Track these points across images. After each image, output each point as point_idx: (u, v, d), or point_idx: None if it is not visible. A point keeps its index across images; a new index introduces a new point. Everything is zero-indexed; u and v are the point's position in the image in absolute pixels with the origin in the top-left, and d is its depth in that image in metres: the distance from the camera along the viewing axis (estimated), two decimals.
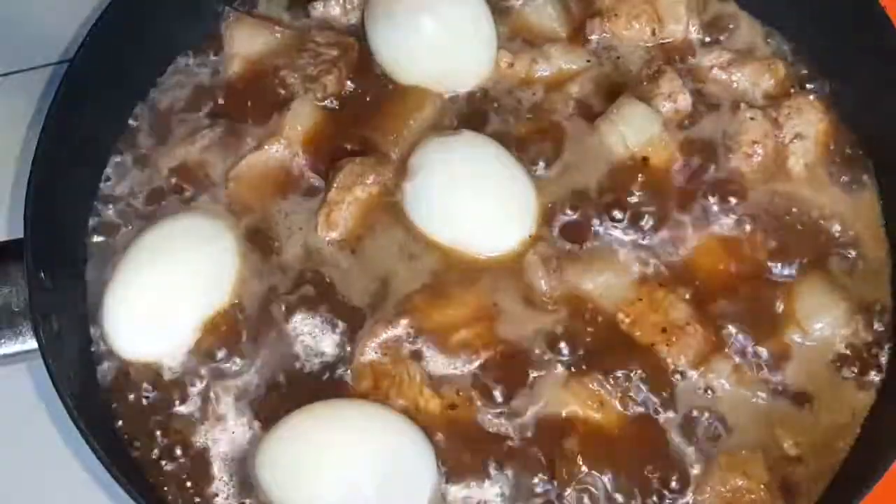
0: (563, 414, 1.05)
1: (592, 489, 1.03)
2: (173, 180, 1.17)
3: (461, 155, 1.14)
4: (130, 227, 1.15)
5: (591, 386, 1.06)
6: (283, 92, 1.19)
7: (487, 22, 1.20)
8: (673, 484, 1.03)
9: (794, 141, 1.16)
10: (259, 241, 1.14)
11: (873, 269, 1.13)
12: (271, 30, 1.24)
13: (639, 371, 1.06)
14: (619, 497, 1.03)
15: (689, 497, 1.03)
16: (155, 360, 1.09)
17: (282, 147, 1.17)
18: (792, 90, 1.20)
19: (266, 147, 1.17)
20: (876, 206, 1.16)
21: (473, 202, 1.12)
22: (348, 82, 1.21)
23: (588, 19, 1.23)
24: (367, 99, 1.20)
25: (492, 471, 1.04)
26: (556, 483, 1.03)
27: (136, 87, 1.22)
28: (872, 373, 1.08)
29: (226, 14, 1.25)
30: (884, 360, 1.09)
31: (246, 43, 1.23)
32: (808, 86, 1.20)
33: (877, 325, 1.10)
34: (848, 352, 1.08)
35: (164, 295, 1.09)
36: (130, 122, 1.21)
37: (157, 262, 1.10)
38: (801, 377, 1.08)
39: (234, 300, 1.11)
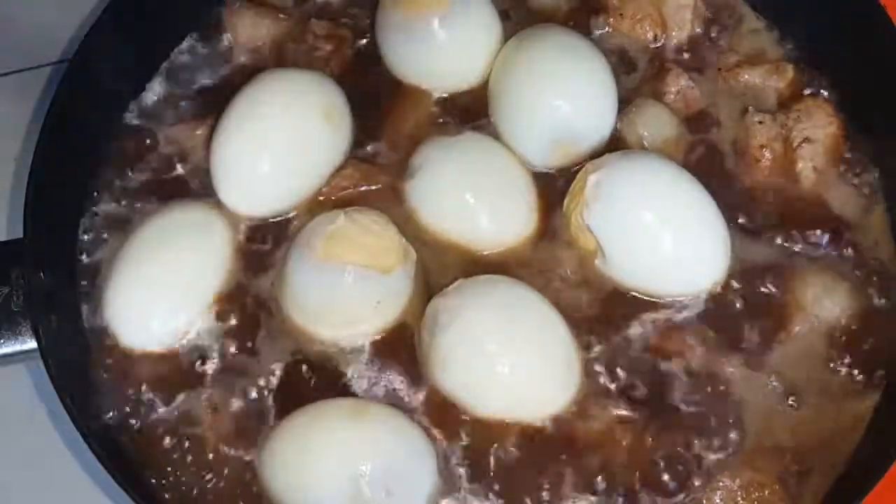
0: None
1: (602, 487, 1.03)
2: (173, 173, 1.17)
3: (463, 155, 1.14)
4: (130, 224, 1.15)
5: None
6: None
7: (494, 22, 1.20)
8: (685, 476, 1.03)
9: (803, 144, 1.15)
10: (258, 233, 1.14)
11: (881, 268, 1.13)
12: (273, 18, 1.24)
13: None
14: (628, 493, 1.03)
15: (701, 491, 1.03)
16: (157, 351, 1.09)
17: None
18: (801, 93, 1.20)
19: None
20: (884, 208, 1.15)
21: (475, 200, 1.12)
22: (346, 71, 1.21)
23: (592, 15, 1.23)
24: (366, 95, 1.20)
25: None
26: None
27: (136, 83, 1.22)
28: (878, 369, 1.08)
29: (229, 2, 1.25)
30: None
31: (248, 32, 1.23)
32: (817, 89, 1.20)
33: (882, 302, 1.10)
34: (853, 344, 1.08)
35: (164, 286, 1.09)
36: (130, 116, 1.21)
37: (157, 253, 1.10)
38: (806, 371, 1.08)
39: (234, 291, 1.11)
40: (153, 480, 1.05)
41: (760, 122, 1.16)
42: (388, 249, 1.06)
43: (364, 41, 1.24)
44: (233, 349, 1.09)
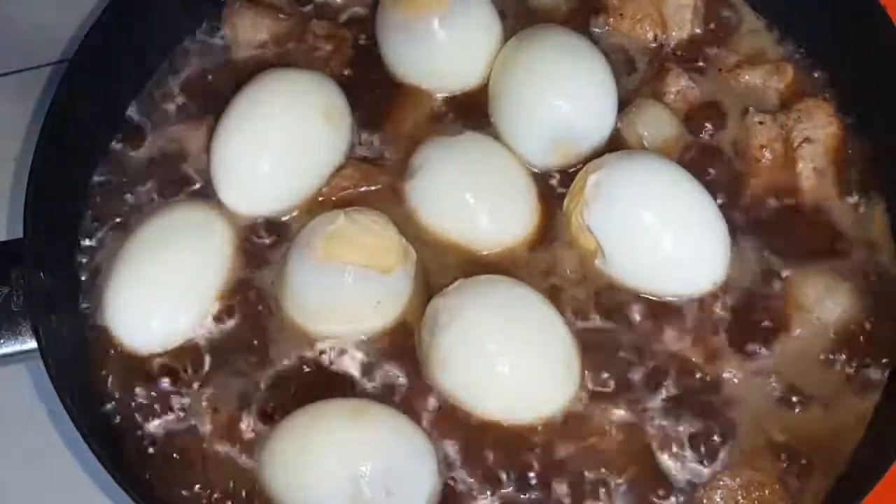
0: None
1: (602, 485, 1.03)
2: (173, 173, 1.17)
3: (463, 155, 1.14)
4: (129, 224, 1.15)
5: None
6: None
7: (494, 22, 1.20)
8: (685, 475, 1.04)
9: (804, 145, 1.15)
10: (258, 233, 1.14)
11: (881, 269, 1.13)
12: (273, 18, 1.24)
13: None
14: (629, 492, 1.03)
15: (701, 491, 1.03)
16: (157, 351, 1.08)
17: None
18: (801, 93, 1.20)
19: None
20: (884, 208, 1.15)
21: (475, 200, 1.12)
22: (346, 71, 1.21)
23: (592, 15, 1.24)
24: (366, 96, 1.20)
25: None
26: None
27: (136, 84, 1.22)
28: (878, 369, 1.08)
29: (229, 2, 1.25)
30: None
31: (248, 32, 1.23)
32: (817, 89, 1.20)
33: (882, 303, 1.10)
34: (853, 345, 1.08)
35: (164, 286, 1.09)
36: (130, 117, 1.21)
37: (157, 253, 1.10)
38: (806, 371, 1.08)
39: (234, 291, 1.11)
40: (153, 480, 1.05)
41: (761, 123, 1.16)
42: (388, 249, 1.06)
43: (364, 41, 1.24)
44: (233, 349, 1.09)
